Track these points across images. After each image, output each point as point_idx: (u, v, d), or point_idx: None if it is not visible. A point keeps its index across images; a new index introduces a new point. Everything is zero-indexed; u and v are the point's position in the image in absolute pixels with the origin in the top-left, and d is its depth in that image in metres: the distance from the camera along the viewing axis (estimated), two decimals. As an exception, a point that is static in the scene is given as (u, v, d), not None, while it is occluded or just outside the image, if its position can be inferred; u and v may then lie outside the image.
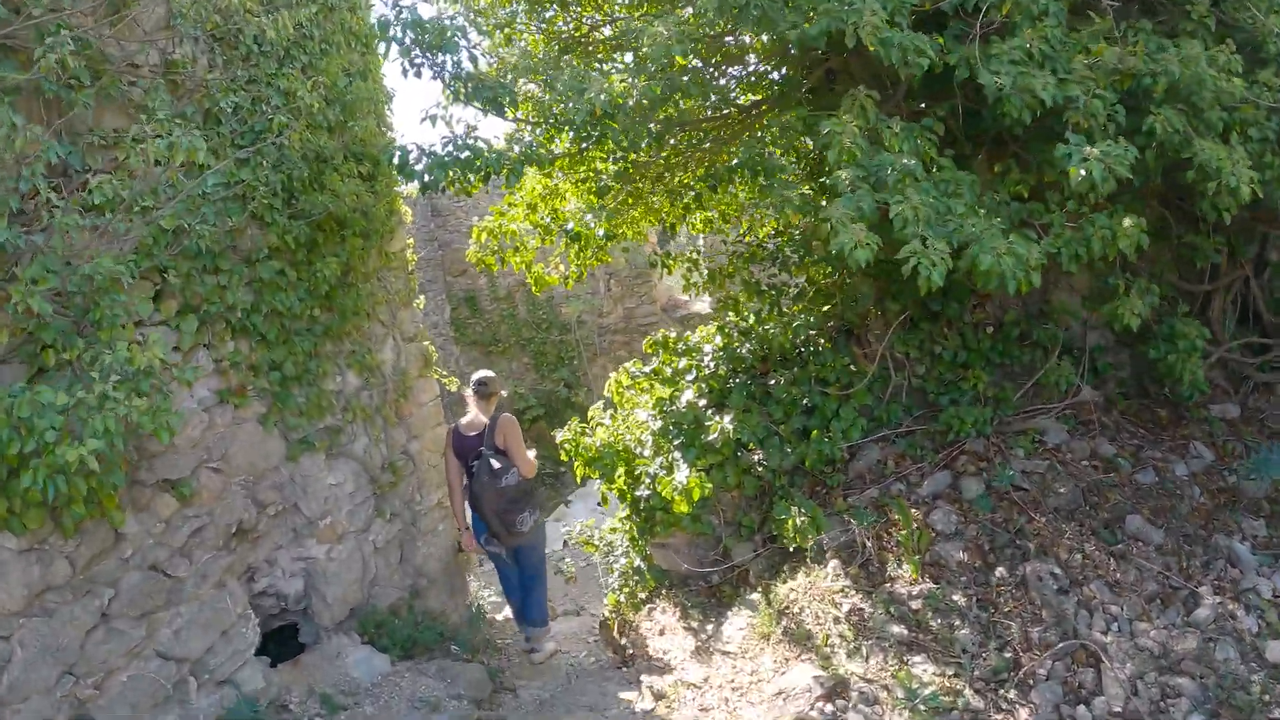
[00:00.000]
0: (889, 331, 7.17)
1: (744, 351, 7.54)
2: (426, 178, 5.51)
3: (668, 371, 7.85)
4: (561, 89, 5.29)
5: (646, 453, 7.22)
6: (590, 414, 8.33)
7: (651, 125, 5.67)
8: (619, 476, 7.36)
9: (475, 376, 7.38)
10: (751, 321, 8.01)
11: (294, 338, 6.18)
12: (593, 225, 6.42)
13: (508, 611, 8.88)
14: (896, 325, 7.17)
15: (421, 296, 8.87)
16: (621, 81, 5.25)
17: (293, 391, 6.21)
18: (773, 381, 7.26)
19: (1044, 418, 7.19)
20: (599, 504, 8.19)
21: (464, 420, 7.23)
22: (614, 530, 7.95)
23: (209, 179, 5.19)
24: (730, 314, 8.52)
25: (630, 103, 5.10)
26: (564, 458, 7.70)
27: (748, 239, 8.62)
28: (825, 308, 7.69)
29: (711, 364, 7.66)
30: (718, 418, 6.94)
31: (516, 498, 6.84)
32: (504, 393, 8.37)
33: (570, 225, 6.91)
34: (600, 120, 5.11)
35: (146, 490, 5.22)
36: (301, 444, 6.33)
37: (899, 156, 4.82)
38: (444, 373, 8.86)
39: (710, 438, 6.77)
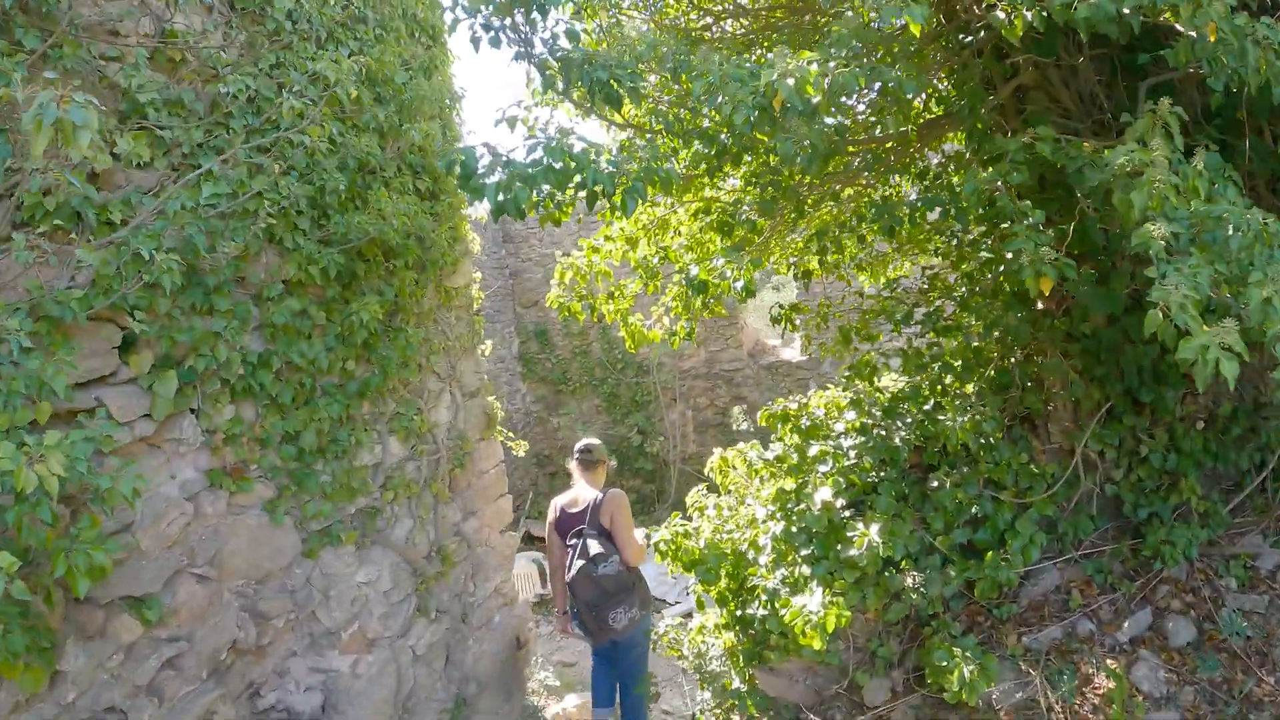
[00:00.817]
0: (1084, 423, 5.51)
1: (896, 440, 5.87)
2: (501, 197, 3.75)
3: (793, 457, 6.20)
4: (715, 77, 3.65)
5: (764, 560, 5.63)
6: (690, 500, 6.77)
7: (828, 126, 4.03)
8: (722, 580, 5.79)
9: (579, 444, 6.30)
10: (901, 399, 6.35)
11: (318, 400, 4.71)
12: (729, 275, 4.79)
13: (572, 701, 7.33)
14: (1093, 416, 5.51)
15: (488, 342, 7.37)
16: (812, 63, 3.56)
17: (314, 469, 4.74)
18: (933, 483, 5.58)
19: (1252, 535, 5.51)
20: (692, 601, 6.53)
21: (567, 495, 6.12)
22: (707, 631, 6.31)
23: (205, 189, 3.74)
24: (860, 383, 6.85)
25: (816, 98, 3.47)
26: (659, 559, 6.13)
27: (929, 295, 6.87)
28: (1002, 392, 5.99)
29: (852, 452, 5.98)
30: (860, 525, 5.30)
31: (614, 590, 5.69)
32: (612, 462, 6.97)
33: (695, 271, 5.28)
34: (775, 118, 3.51)
35: (98, 611, 3.75)
36: (323, 536, 4.87)
37: (1214, 204, 3.17)
38: (509, 434, 7.36)
39: (852, 553, 5.14)
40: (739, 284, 4.40)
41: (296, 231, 4.45)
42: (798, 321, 7.50)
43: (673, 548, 5.96)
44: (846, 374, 7.02)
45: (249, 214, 4.11)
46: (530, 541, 14.40)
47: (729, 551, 5.78)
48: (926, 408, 6.00)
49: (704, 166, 4.85)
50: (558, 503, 6.12)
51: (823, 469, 5.81)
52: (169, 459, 4.01)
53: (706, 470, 7.25)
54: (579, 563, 5.59)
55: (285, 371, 4.50)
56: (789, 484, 6.04)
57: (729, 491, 7.01)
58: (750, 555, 5.77)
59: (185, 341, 3.94)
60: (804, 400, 7.05)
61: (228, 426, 4.22)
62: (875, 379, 6.85)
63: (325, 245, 4.60)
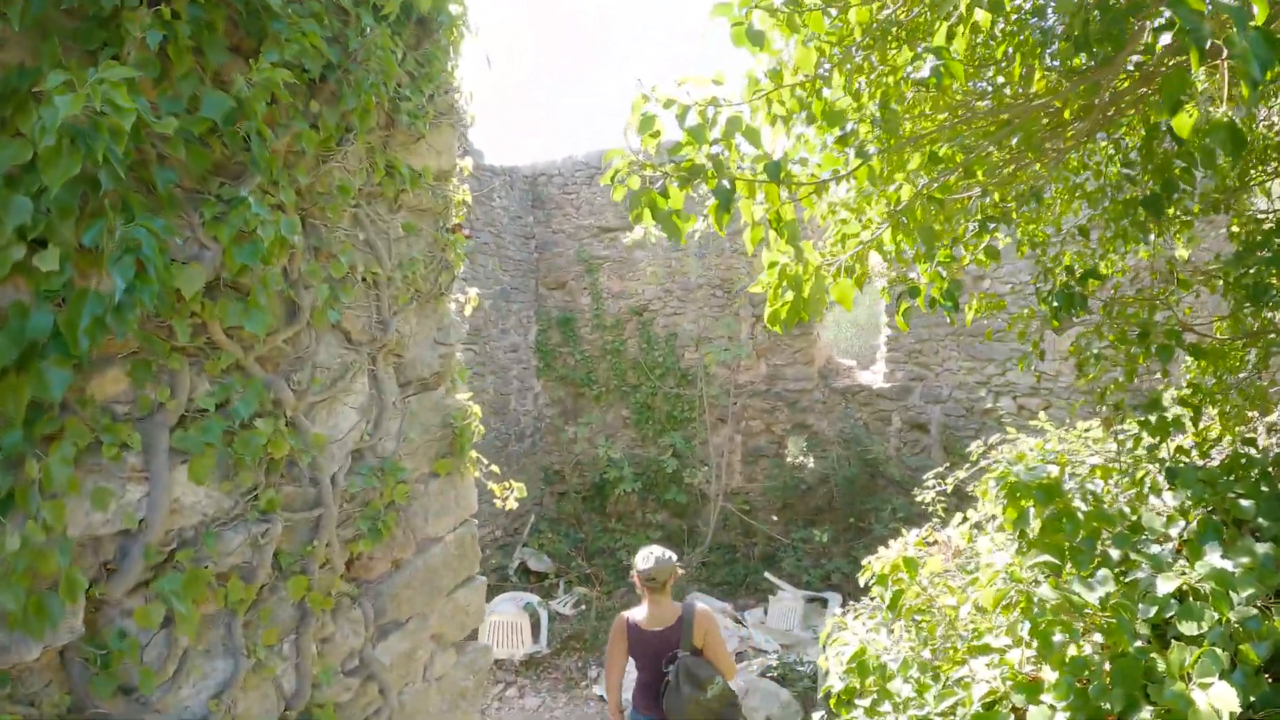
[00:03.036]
0: None
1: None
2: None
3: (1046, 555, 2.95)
4: None
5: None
6: (838, 622, 3.62)
7: None
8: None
9: (646, 566, 5.10)
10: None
11: None
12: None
13: None
14: None
15: (472, 292, 4.25)
16: None
17: None
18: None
19: None
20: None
21: (641, 611, 5.13)
22: None
23: None
24: (1133, 430, 3.65)
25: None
26: None
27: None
28: None
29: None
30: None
31: (723, 712, 4.87)
32: (681, 571, 5.30)
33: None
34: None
35: None
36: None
37: None
38: (487, 466, 4.08)
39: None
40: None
41: None
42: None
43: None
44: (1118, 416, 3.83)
45: None
46: (526, 576, 11.14)
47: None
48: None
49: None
50: (633, 619, 5.14)
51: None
52: None
53: (864, 578, 4.02)
54: (687, 689, 4.89)
55: None
56: (1053, 600, 2.75)
57: (911, 620, 3.80)
58: None
59: None
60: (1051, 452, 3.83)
61: None
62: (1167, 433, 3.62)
63: None
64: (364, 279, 3.34)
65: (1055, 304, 4.02)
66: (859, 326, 20.56)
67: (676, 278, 12.01)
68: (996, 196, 3.60)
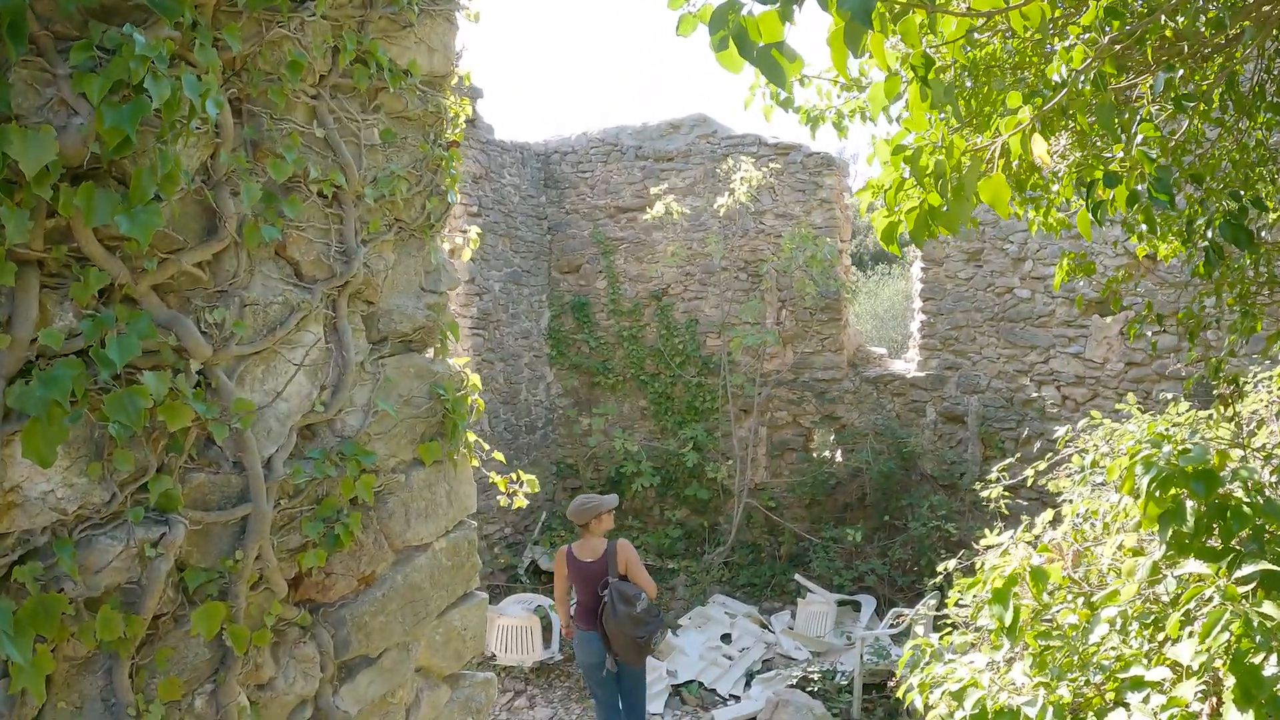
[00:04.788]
0: None
1: None
2: None
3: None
4: None
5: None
6: (923, 645, 2.66)
7: None
8: None
9: (571, 508, 6.35)
10: None
11: None
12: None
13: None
14: None
15: (472, 232, 3.33)
16: None
17: None
18: None
19: None
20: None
21: (578, 546, 6.30)
22: None
23: None
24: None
25: None
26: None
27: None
28: None
29: None
30: None
31: (649, 620, 6.12)
32: (607, 512, 6.27)
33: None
34: None
35: None
36: None
37: None
38: (488, 450, 3.16)
39: None
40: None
41: None
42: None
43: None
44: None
45: None
46: (537, 577, 10.20)
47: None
48: None
49: None
50: (570, 550, 6.31)
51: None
52: None
53: (971, 593, 3.08)
54: (621, 606, 5.99)
55: None
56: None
57: (1036, 646, 2.84)
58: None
59: None
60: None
61: None
62: None
63: None
64: (322, 193, 2.42)
65: (1216, 238, 3.08)
66: (879, 318, 19.59)
67: (698, 260, 11.05)
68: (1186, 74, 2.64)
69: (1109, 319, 9.48)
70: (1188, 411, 4.35)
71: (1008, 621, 2.60)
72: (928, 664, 3.22)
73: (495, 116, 34.76)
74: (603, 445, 11.21)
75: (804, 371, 10.81)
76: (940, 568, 4.28)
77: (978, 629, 3.43)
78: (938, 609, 5.53)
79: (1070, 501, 4.23)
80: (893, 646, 7.80)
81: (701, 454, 10.81)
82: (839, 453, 10.75)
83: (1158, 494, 2.69)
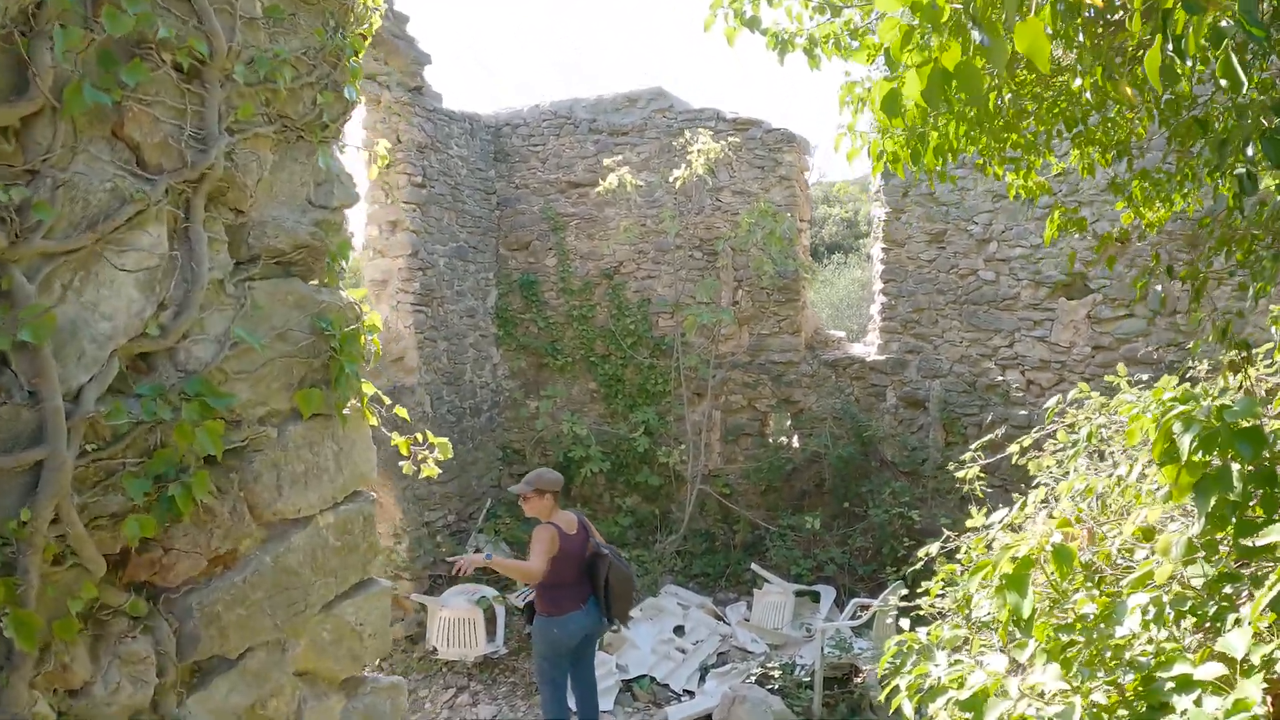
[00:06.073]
0: None
1: None
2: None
3: None
4: None
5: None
6: (910, 640, 2.10)
7: None
8: None
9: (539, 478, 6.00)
10: None
11: None
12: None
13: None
14: None
15: (380, 147, 2.74)
16: None
17: None
18: None
19: None
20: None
21: (560, 519, 5.98)
22: None
23: None
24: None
25: None
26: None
27: None
28: None
29: None
30: None
31: (634, 576, 6.25)
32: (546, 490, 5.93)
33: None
34: None
35: None
36: None
37: None
38: (389, 408, 2.59)
39: None
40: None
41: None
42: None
43: None
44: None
45: None
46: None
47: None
48: None
49: None
50: (557, 528, 5.87)
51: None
52: None
53: (971, 582, 2.55)
54: (623, 567, 5.96)
55: None
56: None
57: (1054, 642, 2.30)
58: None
59: None
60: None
61: None
62: None
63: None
64: (178, 65, 1.84)
65: (1249, 164, 2.58)
66: (835, 307, 19.21)
67: (652, 238, 10.50)
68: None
69: (1075, 302, 9.11)
70: (1179, 385, 3.91)
71: (1026, 611, 2.10)
72: (916, 663, 2.72)
73: (447, 88, 33.80)
74: (550, 429, 10.64)
75: (760, 354, 10.32)
76: (921, 553, 3.79)
77: (969, 621, 2.94)
78: (907, 599, 5.06)
79: (1059, 480, 3.76)
80: (855, 639, 7.33)
81: (653, 439, 10.27)
82: (796, 438, 10.28)
83: (1199, 455, 2.21)
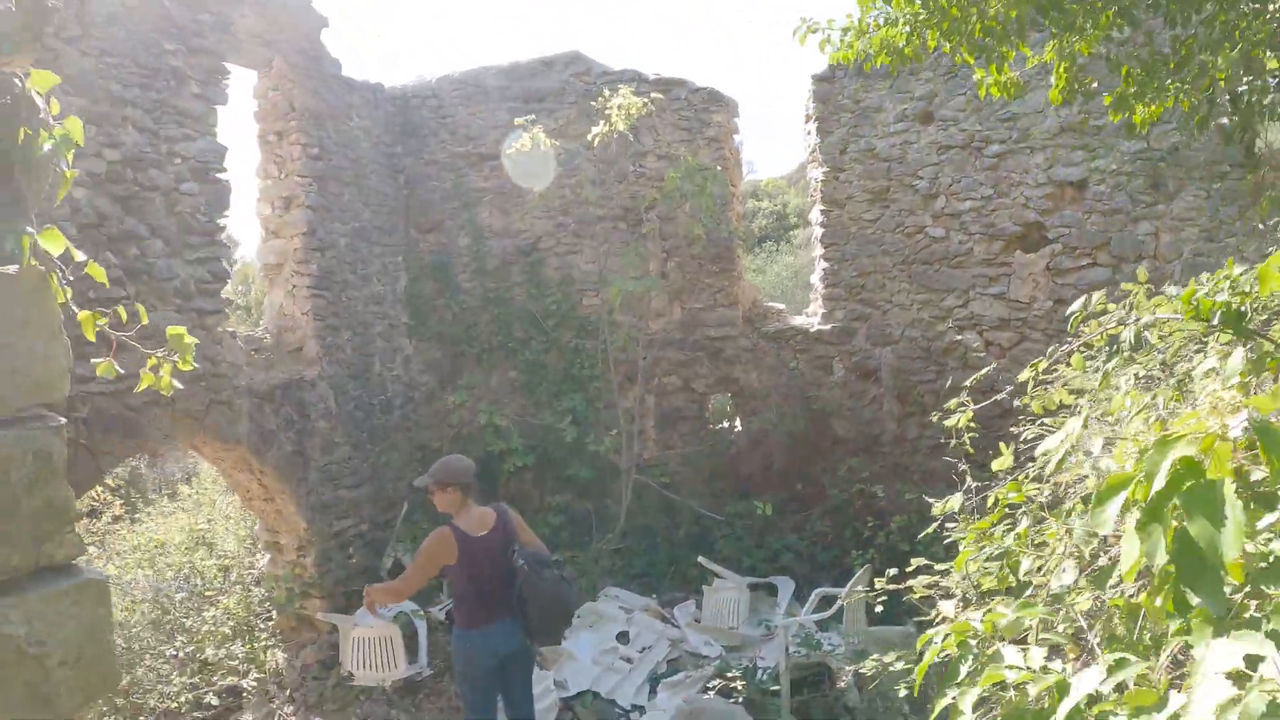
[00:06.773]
0: None
1: None
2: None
3: None
4: None
5: None
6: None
7: None
8: None
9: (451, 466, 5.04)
10: None
11: None
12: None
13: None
14: None
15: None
16: None
17: None
18: None
19: None
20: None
21: (464, 519, 4.92)
22: None
23: None
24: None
25: None
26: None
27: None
28: None
29: None
30: None
31: (570, 580, 5.10)
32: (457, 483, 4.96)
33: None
34: None
35: None
36: None
37: None
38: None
39: None
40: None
41: None
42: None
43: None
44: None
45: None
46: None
47: None
48: None
49: None
50: (455, 528, 4.88)
51: None
52: None
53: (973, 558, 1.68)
54: (550, 572, 4.90)
55: None
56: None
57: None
58: None
59: None
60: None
61: None
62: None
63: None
64: None
65: None
66: (767, 295, 18.43)
67: (571, 210, 9.53)
68: None
69: (1033, 254, 8.38)
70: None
71: (1230, 549, 1.17)
72: (973, 669, 1.81)
73: (351, 59, 32.37)
74: (469, 423, 9.59)
75: (695, 330, 9.41)
76: (936, 509, 2.92)
77: (1047, 597, 2.04)
78: (896, 580, 4.20)
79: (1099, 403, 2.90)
80: (823, 634, 6.44)
81: (581, 428, 9.29)
82: (739, 419, 9.40)
83: None
